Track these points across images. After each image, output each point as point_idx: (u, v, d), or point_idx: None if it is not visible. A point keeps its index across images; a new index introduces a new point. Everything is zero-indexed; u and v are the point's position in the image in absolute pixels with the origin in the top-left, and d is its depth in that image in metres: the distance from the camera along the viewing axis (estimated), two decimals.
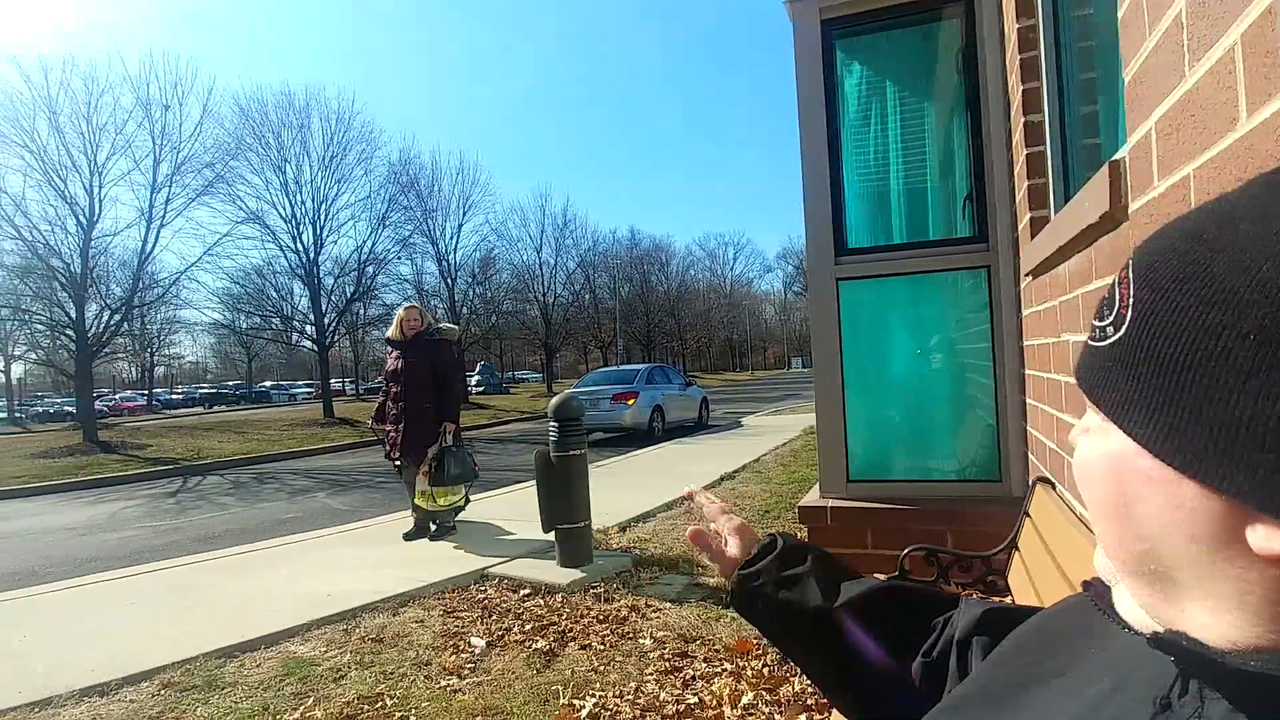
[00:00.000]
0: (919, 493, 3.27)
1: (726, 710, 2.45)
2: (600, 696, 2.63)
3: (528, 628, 3.35)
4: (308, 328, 24.77)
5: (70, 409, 28.54)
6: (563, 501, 4.21)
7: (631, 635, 3.21)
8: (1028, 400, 2.87)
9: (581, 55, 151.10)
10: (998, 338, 3.12)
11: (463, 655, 3.10)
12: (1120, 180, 1.32)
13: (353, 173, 24.89)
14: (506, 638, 3.25)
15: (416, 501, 5.15)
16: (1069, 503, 1.95)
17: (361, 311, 27.64)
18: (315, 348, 24.09)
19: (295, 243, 23.41)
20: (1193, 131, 0.93)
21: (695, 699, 2.56)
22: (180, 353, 55.03)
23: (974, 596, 2.41)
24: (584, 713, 2.51)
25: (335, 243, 25.25)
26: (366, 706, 2.68)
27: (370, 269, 25.43)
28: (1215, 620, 0.36)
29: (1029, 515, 2.23)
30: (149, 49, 33.57)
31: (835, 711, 1.64)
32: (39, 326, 19.59)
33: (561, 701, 2.61)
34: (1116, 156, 1.35)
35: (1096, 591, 0.47)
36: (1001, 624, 0.64)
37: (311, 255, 23.49)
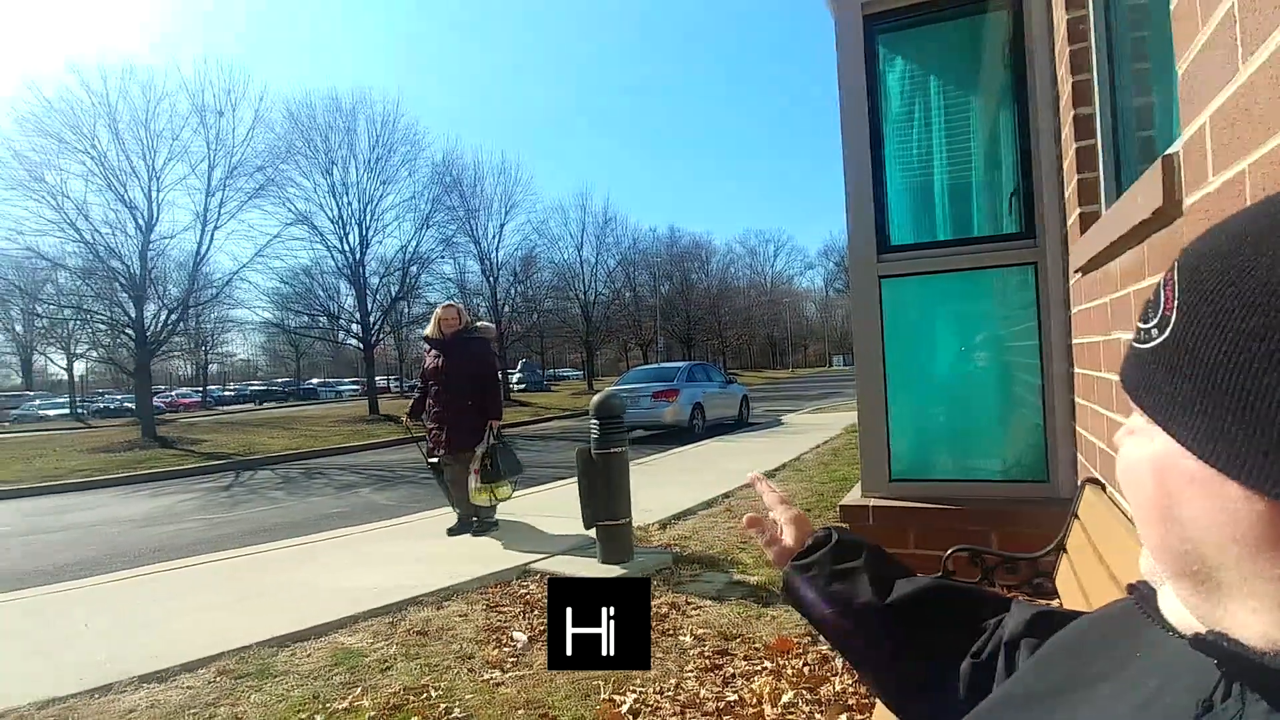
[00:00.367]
0: (963, 493, 3.21)
1: (766, 708, 2.45)
2: (640, 692, 2.65)
3: None
4: (354, 326, 25.41)
5: (130, 405, 29.67)
6: (604, 498, 4.24)
7: (672, 632, 3.23)
8: (1076, 399, 2.80)
9: (623, 54, 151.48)
10: (1045, 335, 3.05)
11: (505, 649, 3.15)
12: (1174, 175, 1.29)
13: (397, 174, 25.43)
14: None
15: (475, 500, 5.24)
16: (1120, 505, 1.90)
17: (406, 310, 28.17)
18: (361, 346, 24.69)
19: (342, 243, 24.03)
20: (1247, 127, 0.90)
21: (735, 696, 2.57)
22: (232, 350, 56.76)
23: (1021, 598, 2.38)
24: (624, 708, 2.54)
25: (380, 243, 25.73)
26: (412, 697, 2.74)
27: (414, 268, 25.92)
28: (1257, 621, 0.36)
29: (1078, 517, 2.18)
30: (204, 57, 34.69)
31: (876, 711, 1.64)
32: (100, 325, 20.43)
33: (602, 697, 2.64)
34: (1170, 151, 1.31)
35: (1141, 594, 0.47)
36: (1051, 627, 0.64)
37: (357, 255, 24.06)
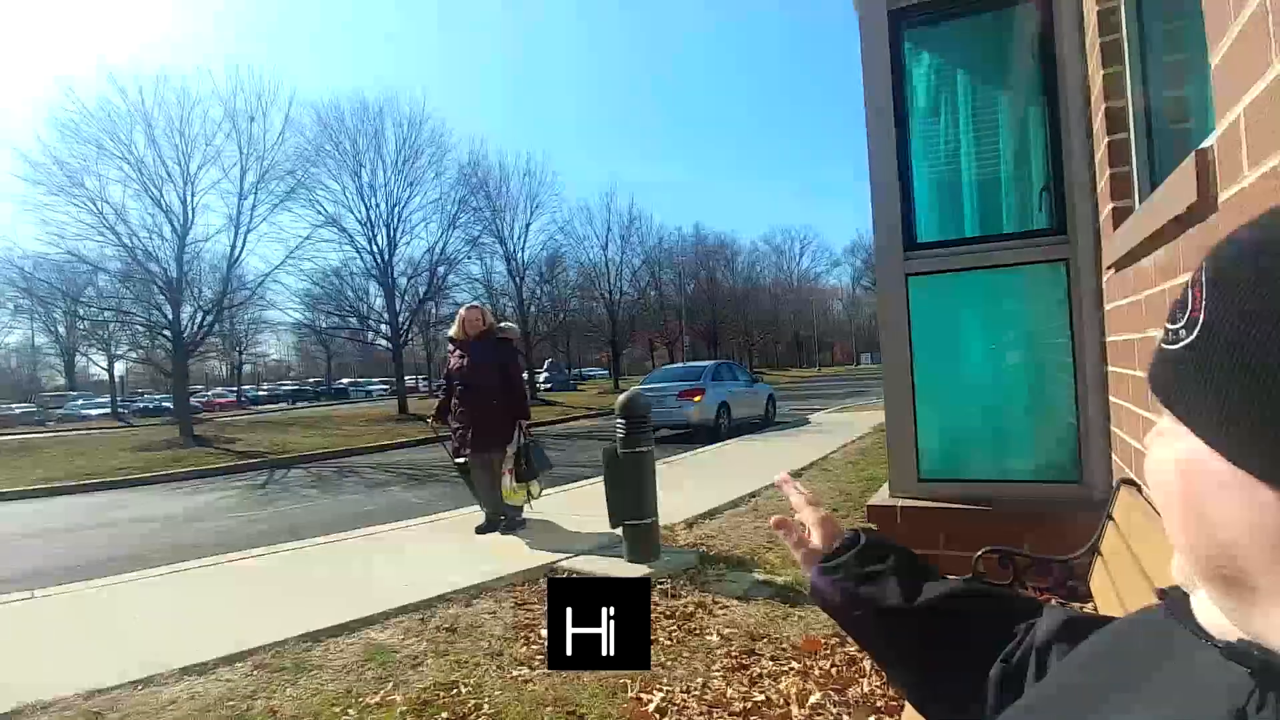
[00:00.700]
0: (993, 493, 3.17)
1: (794, 709, 2.44)
2: (667, 691, 2.66)
3: None
4: (383, 326, 25.76)
5: (168, 405, 30.36)
6: (630, 498, 4.25)
7: (698, 632, 3.23)
8: (1111, 399, 2.75)
9: (645, 51, 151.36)
10: (1078, 333, 3.00)
11: (534, 646, 3.18)
12: (1208, 170, 1.26)
13: (424, 175, 25.71)
14: None
15: (510, 499, 5.29)
16: (1156, 506, 1.87)
17: (434, 310, 28.48)
18: (390, 346, 25.01)
19: (370, 244, 24.37)
20: None
21: (762, 697, 2.56)
22: (265, 351, 57.79)
23: (1053, 602, 2.34)
24: (651, 707, 2.55)
25: (408, 244, 26.06)
26: (442, 693, 2.78)
27: (441, 269, 26.22)
28: None
29: (1112, 518, 2.14)
30: (235, 63, 35.41)
31: (904, 713, 1.62)
32: (139, 327, 20.92)
33: (629, 695, 2.66)
34: (1204, 145, 1.29)
35: (1173, 600, 0.47)
36: (1083, 633, 0.63)
37: (386, 256, 24.39)
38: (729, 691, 2.63)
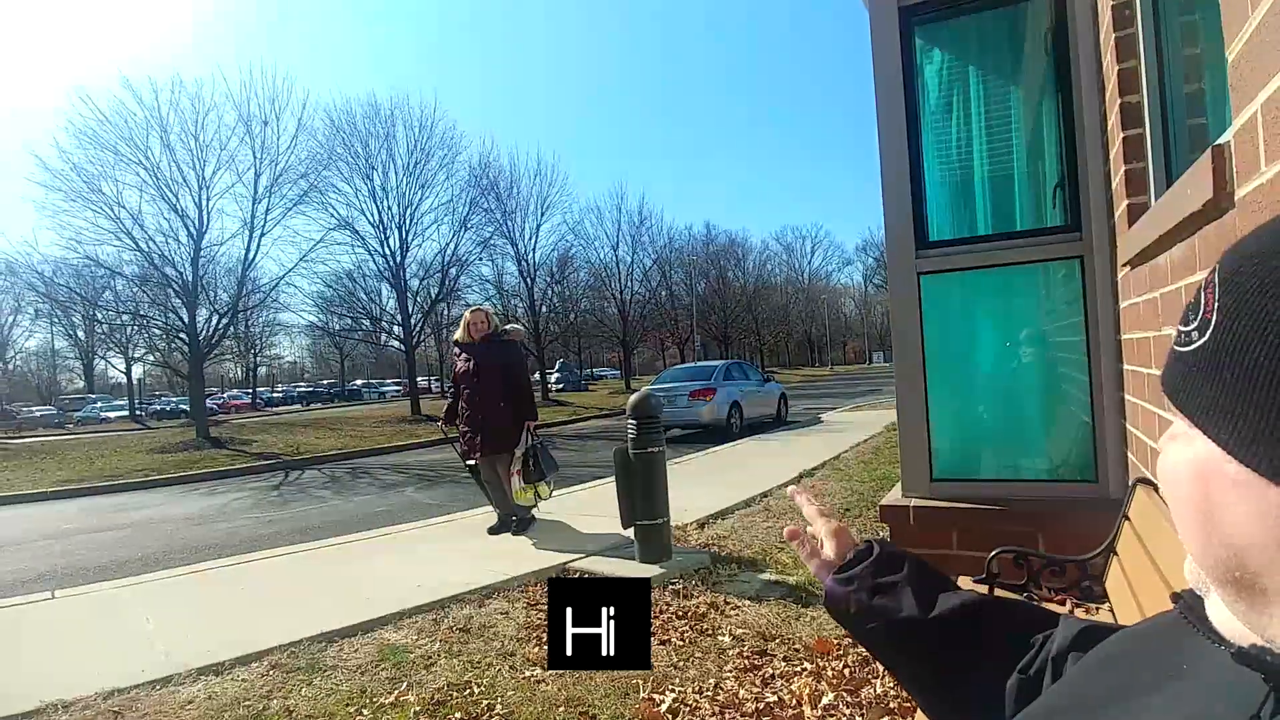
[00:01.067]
0: (1007, 493, 3.15)
1: (806, 710, 2.44)
2: (679, 692, 2.66)
3: None
4: (395, 328, 25.89)
5: (184, 407, 30.70)
6: (641, 498, 4.26)
7: (710, 632, 3.23)
8: (1127, 397, 2.72)
9: (657, 50, 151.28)
10: (1093, 331, 2.97)
11: (546, 647, 3.18)
12: (1225, 166, 1.24)
13: (435, 177, 25.76)
14: None
15: (518, 500, 5.30)
16: (1169, 508, 1.84)
17: (446, 312, 28.61)
18: (403, 347, 25.12)
19: (383, 247, 24.49)
20: None
21: (775, 697, 2.56)
22: (280, 353, 58.42)
23: (1068, 602, 2.31)
24: (663, 707, 2.55)
25: (420, 246, 26.16)
26: (455, 693, 2.79)
27: (453, 270, 26.28)
28: None
29: (1129, 518, 2.12)
30: (249, 68, 35.73)
31: (917, 716, 1.61)
32: (156, 330, 21.12)
33: (641, 695, 2.66)
34: (1220, 141, 1.27)
35: (1186, 604, 0.46)
36: (1099, 641, 0.62)
37: (398, 258, 24.49)
38: (741, 692, 2.63)
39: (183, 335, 18.84)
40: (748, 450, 10.14)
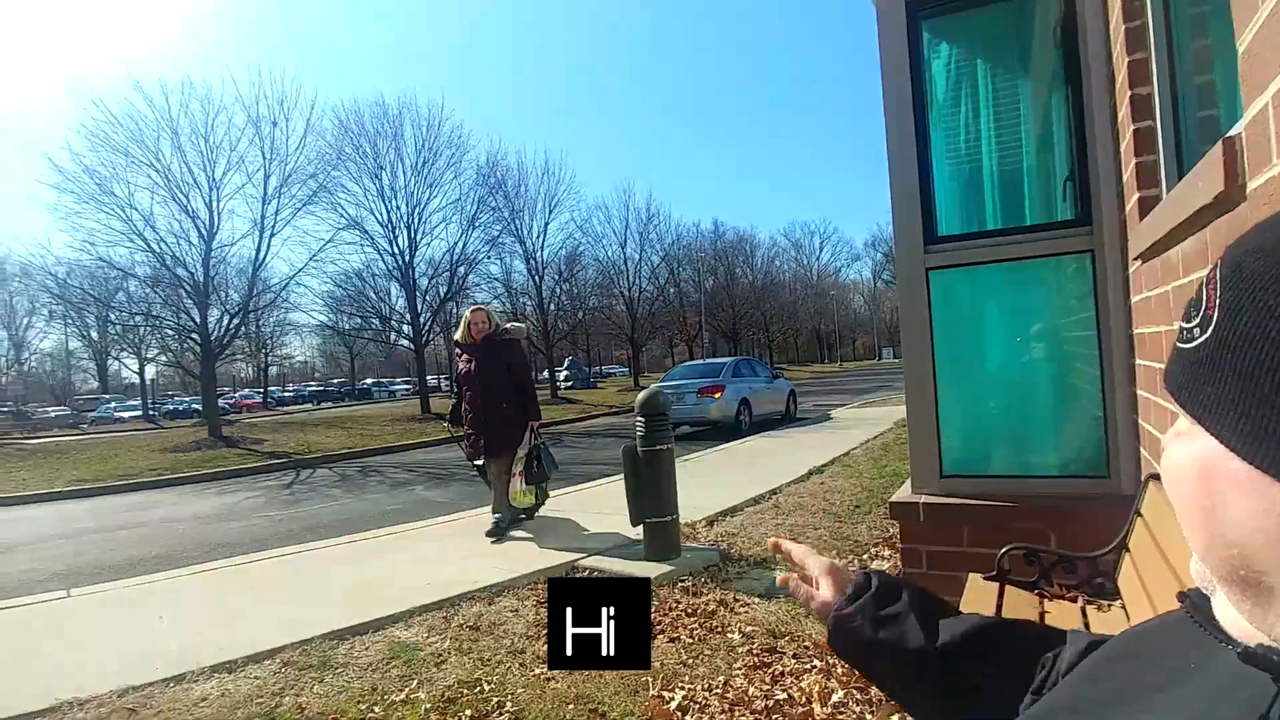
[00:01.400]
0: (1018, 489, 3.13)
1: (816, 707, 2.43)
2: (689, 689, 2.66)
3: None
4: (405, 327, 25.97)
5: (197, 407, 30.92)
6: (650, 496, 4.26)
7: (720, 629, 3.23)
8: (1138, 392, 2.70)
9: (665, 47, 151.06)
10: (1104, 326, 2.94)
11: None
12: (1236, 158, 1.23)
13: (443, 176, 25.79)
14: None
15: (517, 502, 5.28)
16: (1173, 507, 1.83)
17: (455, 310, 28.62)
18: (412, 346, 25.22)
19: (391, 246, 24.56)
20: None
21: (784, 695, 2.56)
22: (290, 353, 58.55)
23: (1080, 599, 2.30)
24: (673, 704, 2.55)
25: (428, 245, 26.21)
26: (466, 691, 2.80)
27: (462, 269, 26.32)
28: None
29: (1141, 514, 2.11)
30: (257, 69, 35.94)
31: None
32: (168, 331, 21.28)
33: (651, 693, 2.66)
34: (1231, 133, 1.26)
35: (1193, 602, 0.46)
36: None
37: (407, 258, 24.57)
38: (751, 689, 2.63)
39: (194, 335, 18.98)
40: (757, 447, 10.12)
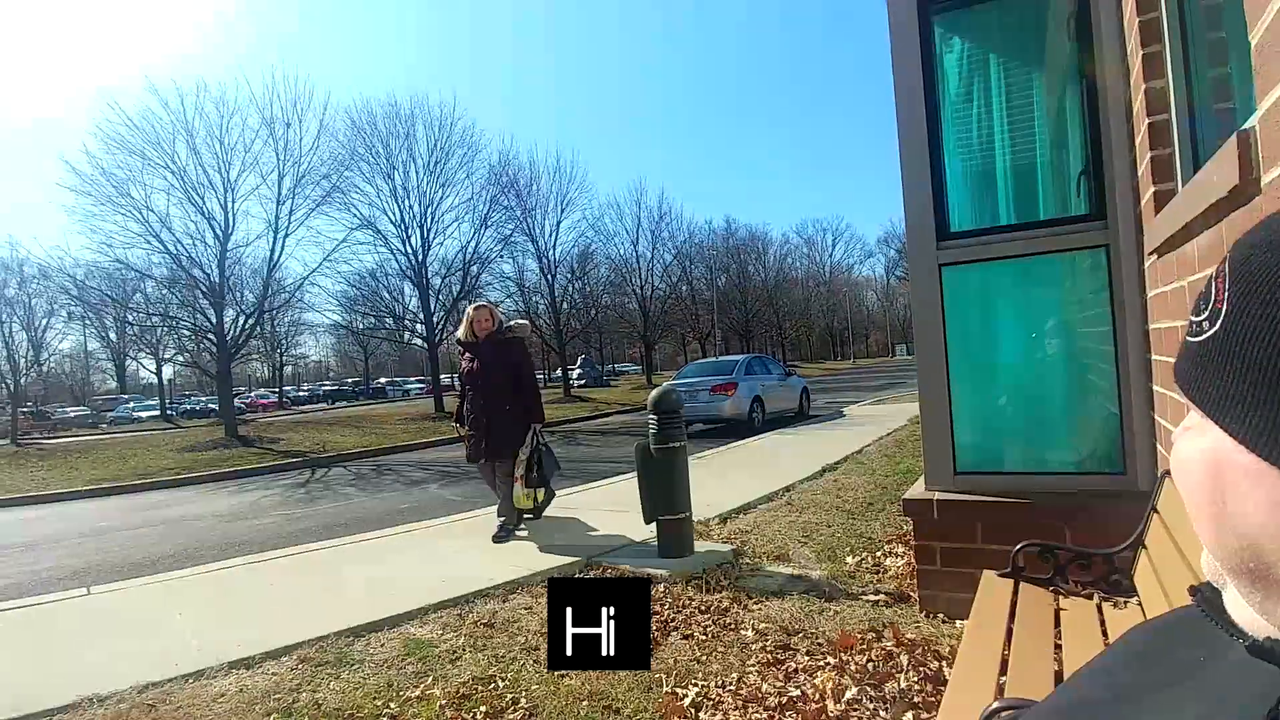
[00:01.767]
0: (1033, 486, 3.11)
1: (829, 704, 2.43)
2: (702, 686, 2.67)
3: None
4: (418, 326, 26.15)
5: (213, 406, 31.26)
6: (663, 493, 4.26)
7: (733, 627, 3.23)
8: (1155, 388, 2.68)
9: (676, 43, 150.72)
10: (1119, 321, 2.92)
11: None
12: (1250, 151, 1.22)
13: (455, 176, 25.92)
14: None
15: (519, 504, 5.18)
16: (1184, 501, 1.81)
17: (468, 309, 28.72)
18: (425, 345, 25.37)
19: (405, 245, 24.73)
20: None
21: (798, 691, 2.56)
22: (305, 353, 59.15)
23: (1096, 597, 2.29)
24: (686, 701, 2.56)
25: (441, 244, 26.35)
26: (480, 687, 2.82)
27: (474, 268, 26.44)
28: None
29: (1158, 511, 2.09)
30: (270, 71, 36.25)
31: (942, 709, 1.61)
32: (185, 331, 21.57)
33: (664, 689, 2.67)
34: (1245, 126, 1.25)
35: (1204, 596, 0.46)
36: None
37: (420, 257, 24.73)
38: (764, 686, 2.63)
39: (211, 335, 19.21)
40: (770, 444, 10.10)
